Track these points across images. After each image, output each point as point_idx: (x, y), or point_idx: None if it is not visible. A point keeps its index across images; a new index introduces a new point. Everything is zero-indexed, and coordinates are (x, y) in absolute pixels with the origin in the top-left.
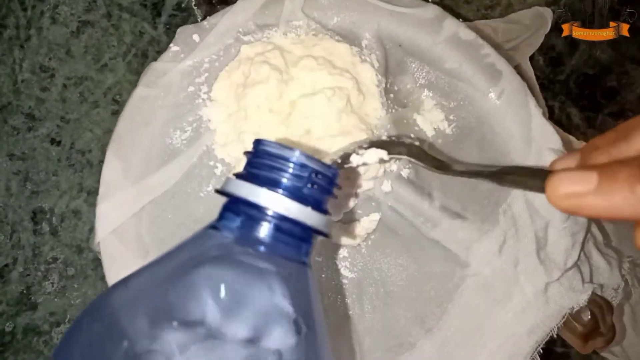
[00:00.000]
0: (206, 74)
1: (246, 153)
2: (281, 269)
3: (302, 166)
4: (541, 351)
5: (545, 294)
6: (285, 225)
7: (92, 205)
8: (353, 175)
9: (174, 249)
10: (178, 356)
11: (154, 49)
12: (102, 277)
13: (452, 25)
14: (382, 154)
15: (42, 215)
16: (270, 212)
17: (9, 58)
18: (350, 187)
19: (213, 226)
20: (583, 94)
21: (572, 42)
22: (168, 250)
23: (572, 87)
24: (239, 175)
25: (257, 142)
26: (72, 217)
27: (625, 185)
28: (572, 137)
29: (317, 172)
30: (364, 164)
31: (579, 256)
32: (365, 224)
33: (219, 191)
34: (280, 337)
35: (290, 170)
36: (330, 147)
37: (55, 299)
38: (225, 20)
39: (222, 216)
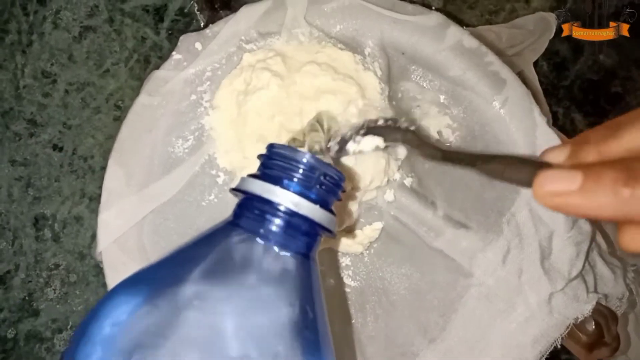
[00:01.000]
0: (208, 82)
1: (260, 156)
2: (290, 260)
3: (312, 168)
4: None
5: (550, 304)
6: (295, 221)
7: (94, 211)
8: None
9: (188, 245)
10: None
11: (156, 55)
12: (104, 284)
13: (455, 32)
14: (379, 141)
15: (44, 221)
16: (282, 208)
17: (10, 63)
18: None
19: (229, 222)
20: (587, 99)
21: (576, 48)
22: (181, 246)
23: (577, 92)
24: (253, 176)
25: (271, 146)
26: (74, 223)
27: (609, 187)
28: None
29: (325, 174)
30: (360, 152)
31: (584, 266)
32: (368, 232)
33: (235, 189)
34: (285, 331)
35: (301, 171)
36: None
37: (58, 306)
38: (227, 28)
39: (237, 213)
